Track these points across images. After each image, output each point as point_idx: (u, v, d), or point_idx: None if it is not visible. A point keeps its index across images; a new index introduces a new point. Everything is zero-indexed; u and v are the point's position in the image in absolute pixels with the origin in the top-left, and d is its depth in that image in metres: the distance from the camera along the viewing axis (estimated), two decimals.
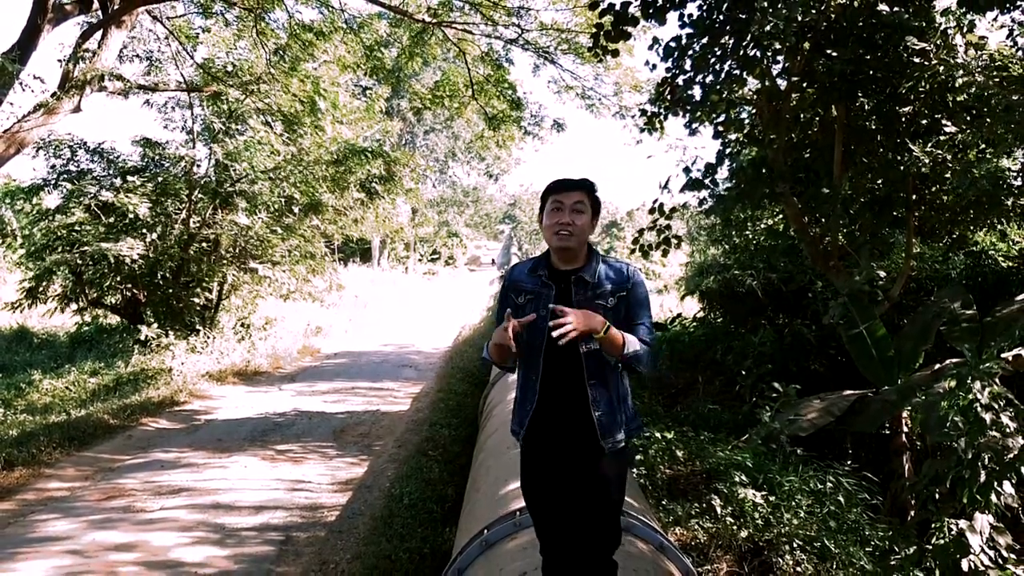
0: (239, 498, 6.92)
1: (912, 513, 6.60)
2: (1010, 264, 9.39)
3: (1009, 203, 7.49)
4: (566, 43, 14.15)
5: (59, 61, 11.10)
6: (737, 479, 5.63)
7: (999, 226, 8.34)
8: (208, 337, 14.62)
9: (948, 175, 7.57)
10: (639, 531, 3.31)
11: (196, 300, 15.26)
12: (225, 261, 15.35)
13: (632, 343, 2.62)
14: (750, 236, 12.31)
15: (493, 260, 74.10)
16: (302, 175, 15.07)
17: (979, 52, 7.01)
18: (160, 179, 14.29)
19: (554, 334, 2.41)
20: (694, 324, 14.01)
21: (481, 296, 32.32)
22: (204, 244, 15.04)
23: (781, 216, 10.66)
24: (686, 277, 14.88)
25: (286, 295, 16.84)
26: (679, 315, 14.96)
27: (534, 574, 2.89)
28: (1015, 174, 7.57)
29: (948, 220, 8.47)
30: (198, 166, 15.06)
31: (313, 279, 17.41)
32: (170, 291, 14.52)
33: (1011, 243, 9.48)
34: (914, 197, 8.09)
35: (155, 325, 14.03)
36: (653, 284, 30.68)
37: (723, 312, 13.27)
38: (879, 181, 8.16)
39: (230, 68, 14.19)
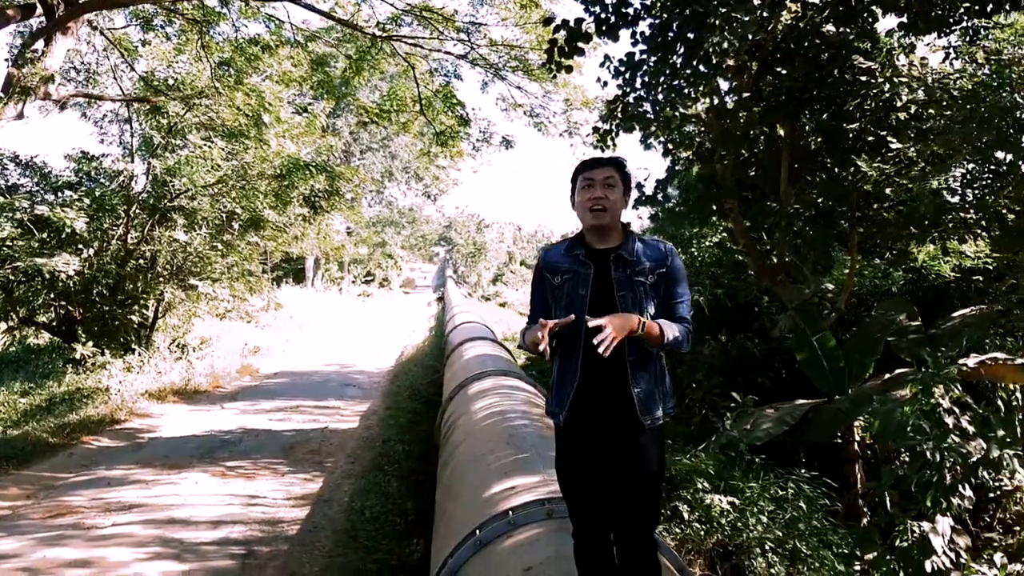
0: (194, 513, 6.71)
1: (865, 520, 6.80)
2: (948, 279, 9.74)
3: (948, 218, 7.80)
4: (516, 60, 14.25)
5: (5, 60, 10.79)
6: (700, 486, 5.71)
7: (939, 241, 8.62)
8: (144, 357, 14.19)
9: (889, 191, 7.86)
10: None
11: (133, 318, 14.77)
12: (162, 278, 14.91)
13: (670, 330, 2.59)
14: (695, 253, 12.54)
15: (421, 279, 73.84)
16: (243, 190, 14.81)
17: (923, 70, 7.34)
18: (97, 194, 13.85)
19: (600, 350, 2.38)
20: None
21: (420, 317, 32.13)
22: (141, 261, 14.62)
23: (726, 234, 10.90)
24: None
25: (222, 314, 16.45)
26: None
27: (539, 568, 2.87)
28: (953, 192, 7.93)
29: (890, 236, 8.76)
30: (136, 181, 14.67)
31: (250, 298, 17.06)
32: (106, 308, 14.04)
33: (951, 258, 9.79)
34: (857, 214, 8.37)
35: (90, 343, 13.55)
36: None
37: None
38: (822, 198, 8.43)
39: (171, 81, 13.90)
